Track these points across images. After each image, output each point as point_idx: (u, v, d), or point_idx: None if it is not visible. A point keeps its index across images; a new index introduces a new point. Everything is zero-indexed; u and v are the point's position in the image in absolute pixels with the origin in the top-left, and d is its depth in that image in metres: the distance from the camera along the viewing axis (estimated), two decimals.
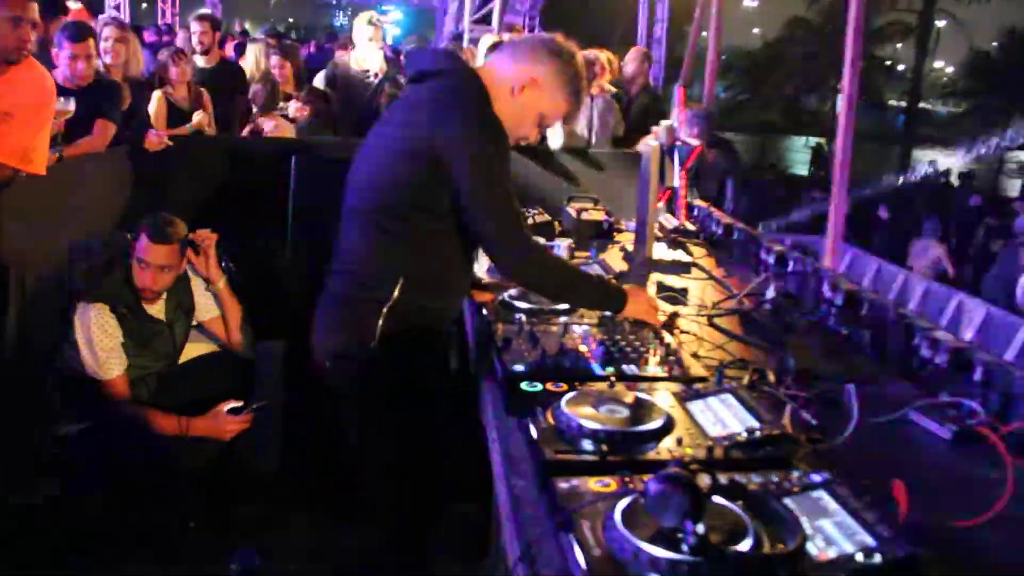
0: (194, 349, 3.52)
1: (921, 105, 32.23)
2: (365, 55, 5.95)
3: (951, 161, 29.34)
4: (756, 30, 36.86)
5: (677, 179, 3.51)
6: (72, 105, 3.66)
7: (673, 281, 3.23)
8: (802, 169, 26.94)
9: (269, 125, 5.25)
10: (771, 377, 2.18)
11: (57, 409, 3.33)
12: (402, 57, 5.94)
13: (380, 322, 2.21)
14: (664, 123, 3.54)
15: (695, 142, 3.43)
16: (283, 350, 3.73)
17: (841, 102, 5.52)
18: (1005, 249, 9.80)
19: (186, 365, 3.47)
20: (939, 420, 1.98)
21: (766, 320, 2.74)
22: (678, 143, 3.48)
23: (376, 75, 5.93)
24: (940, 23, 30.79)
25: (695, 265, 3.55)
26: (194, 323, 3.50)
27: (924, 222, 9.92)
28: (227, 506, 3.48)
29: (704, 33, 8.79)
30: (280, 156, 4.13)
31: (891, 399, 2.15)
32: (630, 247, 3.72)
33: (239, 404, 3.29)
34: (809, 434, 1.80)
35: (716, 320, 2.77)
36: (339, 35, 10.61)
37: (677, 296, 2.97)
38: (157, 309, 3.37)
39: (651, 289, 3.07)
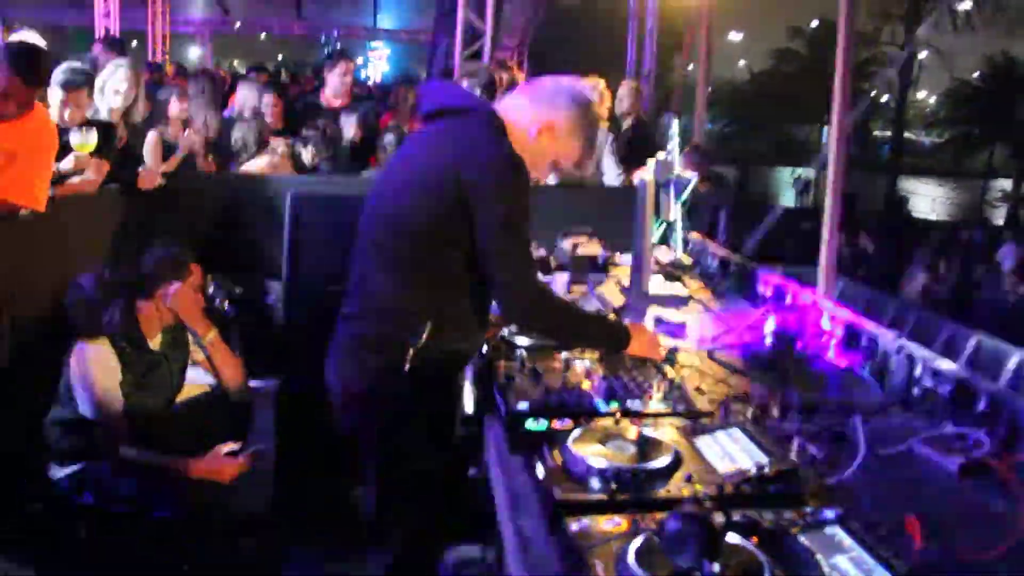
0: (191, 389, 3.49)
1: (905, 135, 32.57)
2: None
3: (938, 191, 29.63)
4: (742, 62, 37.29)
5: (673, 213, 3.52)
6: (93, 136, 3.69)
7: (671, 314, 3.22)
8: (790, 200, 27.11)
9: (262, 163, 5.25)
10: (775, 411, 2.17)
11: (51, 451, 3.29)
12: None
13: (407, 364, 2.17)
14: (659, 157, 3.55)
15: (691, 176, 3.45)
16: (276, 388, 3.71)
17: (830, 132, 5.55)
18: (988, 275, 9.86)
19: (183, 405, 3.44)
20: (944, 451, 1.98)
21: (767, 353, 2.74)
22: (673, 177, 3.49)
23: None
24: (922, 54, 31.16)
25: (692, 298, 3.55)
26: (191, 361, 3.47)
27: (914, 250, 9.96)
28: (222, 547, 3.43)
29: (691, 66, 8.88)
30: (275, 193, 4.13)
31: (895, 431, 2.15)
32: (626, 281, 3.73)
33: (236, 447, 3.26)
34: (817, 468, 1.79)
35: (716, 354, 2.77)
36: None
37: (676, 330, 2.97)
38: (156, 342, 3.35)
39: (649, 323, 3.07)
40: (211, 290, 3.78)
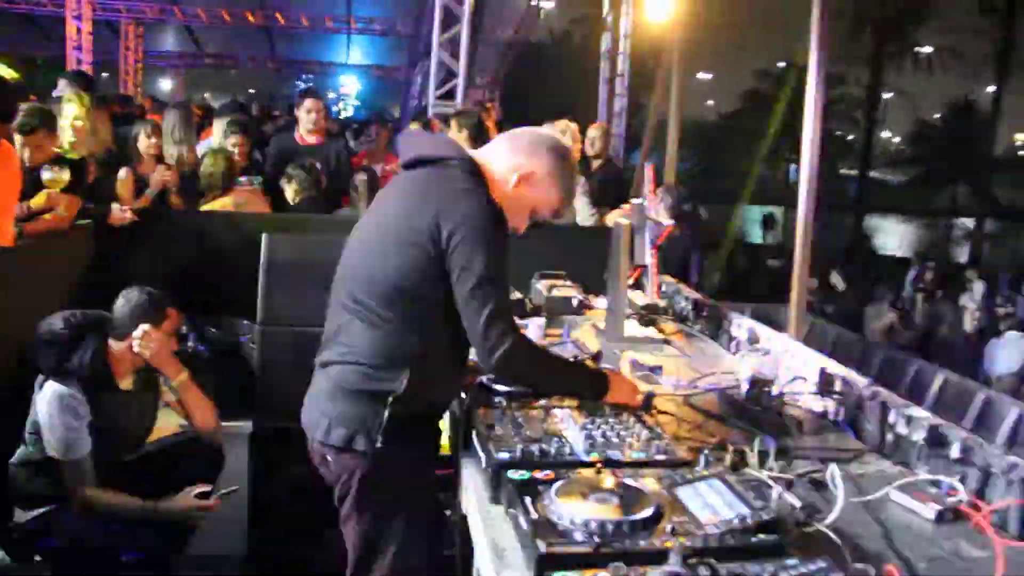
0: (162, 431, 3.45)
1: (872, 174, 33.17)
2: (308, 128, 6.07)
3: (904, 229, 30.14)
4: (710, 102, 37.88)
5: (648, 256, 3.55)
6: (66, 173, 3.66)
7: (647, 359, 3.24)
8: (759, 238, 27.43)
9: (227, 201, 5.19)
10: (752, 458, 2.19)
11: (17, 494, 3.23)
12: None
13: (387, 413, 2.16)
14: (634, 201, 3.59)
15: (666, 220, 3.49)
16: (251, 430, 3.68)
17: (800, 172, 5.63)
18: (953, 314, 10.03)
19: (154, 446, 3.40)
20: (920, 499, 2.00)
21: (742, 399, 2.75)
22: (649, 221, 3.53)
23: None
24: (887, 95, 31.89)
25: (667, 342, 3.58)
26: (163, 403, 3.44)
27: (875, 289, 10.13)
28: None
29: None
30: (250, 232, 4.11)
31: (871, 477, 2.17)
32: (601, 324, 3.75)
33: (207, 488, 3.22)
34: (795, 517, 1.80)
35: (693, 399, 2.78)
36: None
37: (651, 375, 2.98)
38: (126, 383, 3.31)
39: (625, 366, 3.09)
40: (183, 329, 3.75)
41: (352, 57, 22.65)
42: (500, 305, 2.17)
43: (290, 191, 5.51)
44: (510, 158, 2.35)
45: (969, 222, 29.35)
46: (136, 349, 3.25)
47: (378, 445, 2.17)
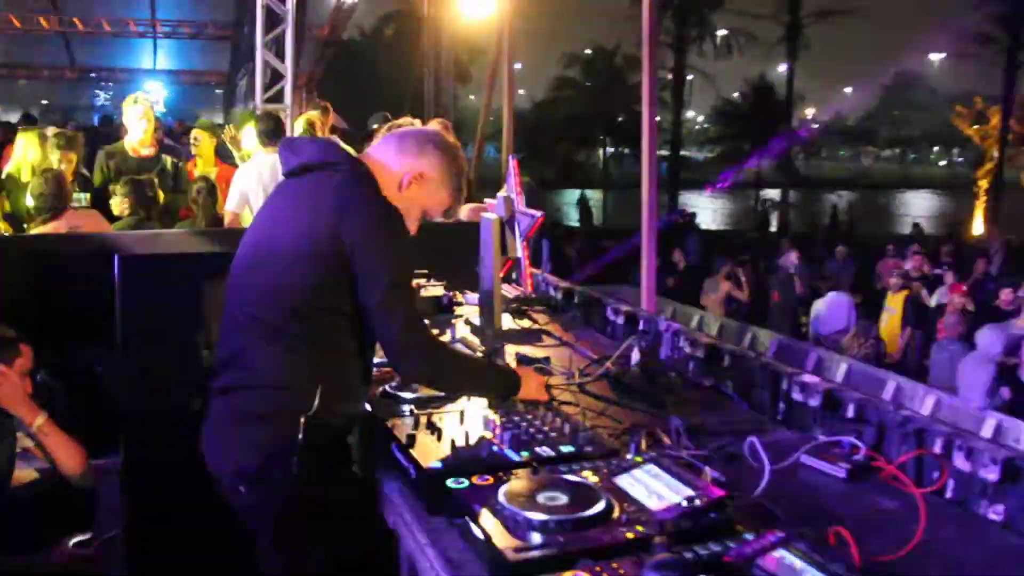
0: (25, 475, 3.17)
1: (681, 152, 34.76)
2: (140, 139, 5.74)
3: (716, 203, 31.85)
4: (521, 91, 38.52)
5: (519, 249, 3.56)
6: None
7: (529, 350, 3.25)
8: (575, 221, 28.22)
9: (59, 224, 4.84)
10: (665, 439, 2.24)
11: None
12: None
13: (300, 435, 2.06)
14: (501, 195, 3.58)
15: (536, 212, 3.51)
16: (119, 465, 3.43)
17: (642, 157, 5.83)
18: (779, 282, 10.69)
19: (16, 493, 3.11)
20: (830, 459, 2.11)
21: (635, 381, 2.81)
22: (518, 214, 3.53)
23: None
24: (689, 77, 33.49)
25: (544, 332, 3.61)
26: (19, 448, 3.15)
27: (718, 261, 10.65)
28: None
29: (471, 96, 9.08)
30: (95, 255, 3.82)
31: (778, 445, 2.26)
32: (474, 320, 3.73)
33: (86, 537, 2.98)
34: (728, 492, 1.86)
35: (588, 387, 2.81)
36: (113, 119, 10.05)
37: (543, 366, 2.99)
38: None
39: (511, 362, 3.08)
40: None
41: (160, 62, 21.47)
42: (411, 309, 2.13)
43: (116, 206, 5.19)
44: (399, 159, 2.29)
45: (775, 193, 31.36)
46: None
47: (294, 471, 2.07)
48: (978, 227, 25.67)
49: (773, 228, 27.18)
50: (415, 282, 4.16)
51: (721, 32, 32.98)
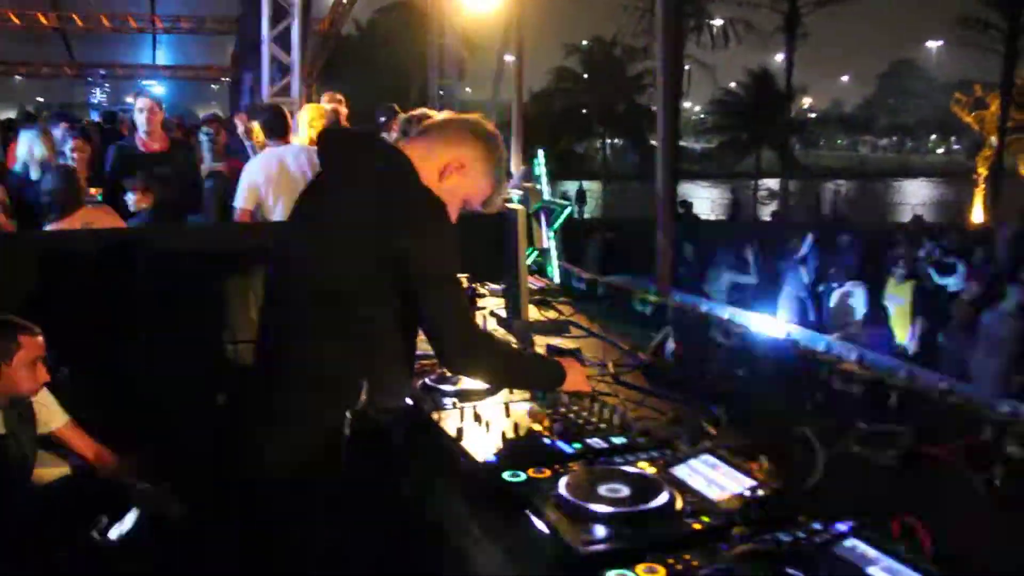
0: (47, 473, 3.15)
1: (679, 143, 34.71)
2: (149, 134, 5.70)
3: (713, 193, 31.78)
4: None
5: (547, 240, 3.55)
6: None
7: (559, 342, 3.23)
8: (574, 212, 28.14)
9: (75, 222, 4.80)
10: (711, 430, 2.23)
11: None
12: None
13: (347, 432, 2.04)
14: (527, 185, 3.57)
15: (564, 203, 3.49)
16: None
17: (658, 148, 5.78)
18: (788, 269, 10.65)
19: (40, 491, 3.10)
20: (875, 447, 2.10)
21: (670, 372, 2.80)
22: (542, 205, 3.52)
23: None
24: (687, 67, 33.40)
25: (571, 323, 3.59)
26: (40, 433, 3.14)
27: (719, 252, 10.61)
28: None
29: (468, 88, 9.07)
30: (115, 251, 3.81)
31: (822, 435, 2.25)
32: (499, 312, 3.72)
33: (112, 530, 2.94)
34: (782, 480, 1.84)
35: (622, 377, 2.80)
36: (118, 114, 9.97)
37: (577, 357, 2.97)
38: None
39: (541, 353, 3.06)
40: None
41: (159, 58, 21.33)
42: (462, 303, 2.12)
43: (132, 202, 5.16)
44: (441, 148, 2.26)
45: (774, 183, 31.28)
46: None
47: (341, 468, 2.05)
48: (978, 215, 25.65)
49: (766, 218, 27.14)
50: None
51: (718, 22, 32.91)
